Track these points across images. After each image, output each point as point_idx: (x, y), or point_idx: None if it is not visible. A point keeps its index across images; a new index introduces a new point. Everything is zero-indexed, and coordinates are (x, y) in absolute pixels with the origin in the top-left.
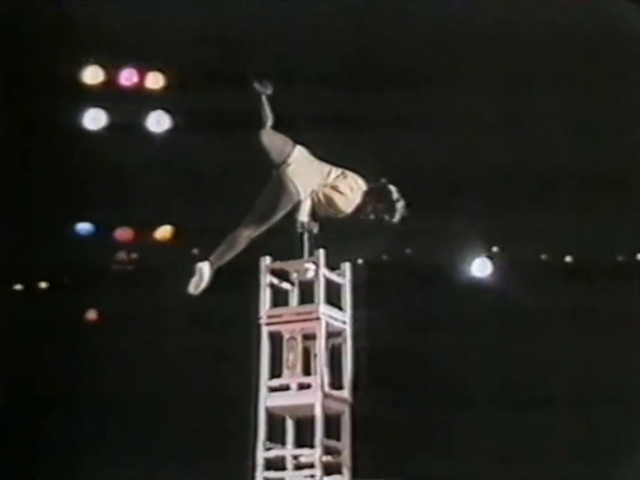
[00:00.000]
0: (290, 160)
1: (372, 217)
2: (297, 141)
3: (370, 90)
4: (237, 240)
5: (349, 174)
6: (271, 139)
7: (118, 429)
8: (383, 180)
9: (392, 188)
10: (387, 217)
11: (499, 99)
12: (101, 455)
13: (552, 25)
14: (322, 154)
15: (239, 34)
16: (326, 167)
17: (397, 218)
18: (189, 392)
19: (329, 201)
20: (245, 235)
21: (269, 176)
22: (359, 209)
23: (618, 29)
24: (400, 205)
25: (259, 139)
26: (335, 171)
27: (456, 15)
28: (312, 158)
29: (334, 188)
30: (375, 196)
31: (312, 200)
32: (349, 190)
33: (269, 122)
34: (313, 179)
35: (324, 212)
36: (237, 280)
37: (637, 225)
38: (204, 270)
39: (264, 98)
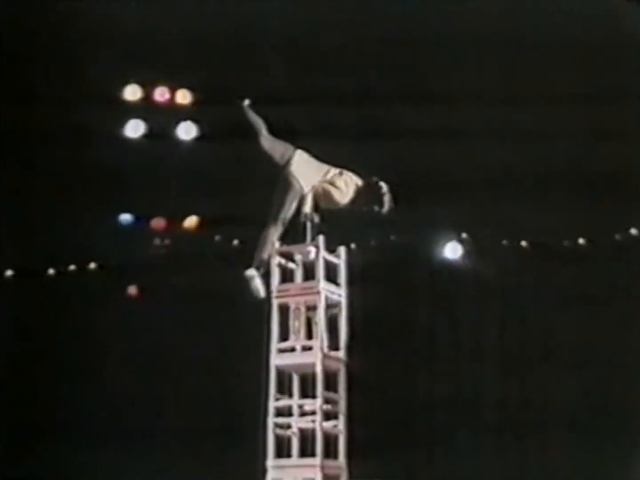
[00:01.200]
0: (292, 161)
1: (364, 208)
2: (297, 146)
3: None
4: (266, 239)
5: (345, 172)
6: (271, 145)
7: (155, 382)
8: (374, 178)
9: (382, 184)
10: (377, 208)
11: (470, 100)
12: (146, 407)
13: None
14: (327, 157)
15: (254, 56)
16: (324, 166)
17: (385, 209)
18: (212, 354)
19: (327, 195)
20: (271, 233)
21: (277, 175)
22: (353, 202)
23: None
24: (387, 198)
25: (259, 144)
26: (333, 170)
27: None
28: (311, 159)
29: (332, 184)
30: (367, 191)
31: (314, 194)
32: (344, 186)
33: (263, 128)
34: (314, 176)
35: (323, 204)
36: (250, 263)
37: (586, 212)
38: (255, 278)
39: (245, 109)
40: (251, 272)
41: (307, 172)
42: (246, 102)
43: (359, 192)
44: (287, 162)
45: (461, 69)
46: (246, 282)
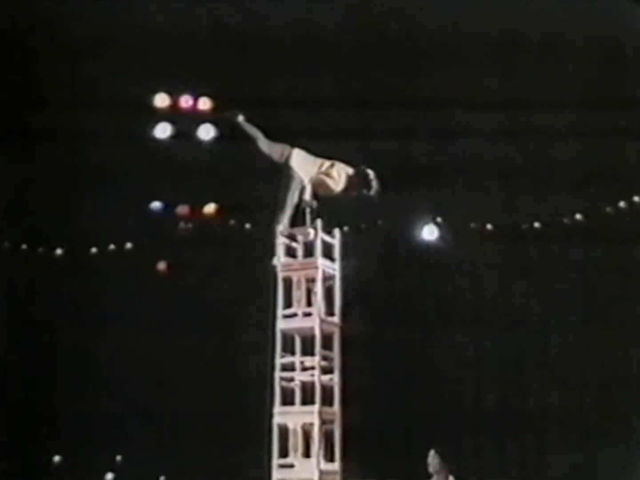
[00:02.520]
0: (291, 158)
1: (355, 193)
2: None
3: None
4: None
5: (336, 163)
6: (270, 148)
7: (179, 337)
8: (362, 166)
9: (369, 171)
10: (366, 193)
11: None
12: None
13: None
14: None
15: (262, 68)
16: (319, 160)
17: (373, 192)
18: (227, 319)
19: (324, 184)
20: (283, 223)
21: (281, 171)
22: (346, 188)
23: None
24: (375, 184)
25: (258, 149)
26: (327, 162)
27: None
28: (307, 155)
29: (327, 174)
30: (357, 178)
31: (312, 184)
32: (337, 175)
33: (259, 134)
34: (310, 169)
35: (321, 192)
36: (259, 244)
37: (541, 199)
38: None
39: (239, 122)
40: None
41: (304, 166)
42: (240, 117)
43: (350, 180)
44: (287, 160)
45: (444, 68)
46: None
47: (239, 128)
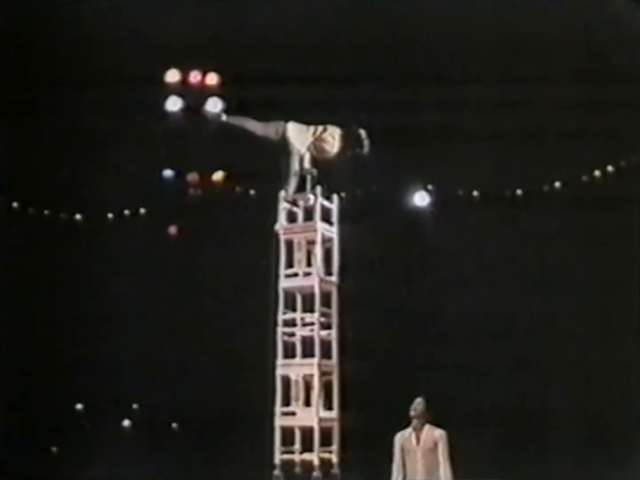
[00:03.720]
0: (287, 132)
1: (350, 153)
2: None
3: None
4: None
5: (328, 127)
6: (264, 129)
7: (189, 294)
8: (354, 126)
9: (361, 130)
10: (358, 150)
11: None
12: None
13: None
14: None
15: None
16: (311, 127)
17: (365, 150)
18: (232, 279)
19: (320, 149)
20: (289, 191)
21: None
22: (341, 149)
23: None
24: (367, 142)
25: (253, 135)
26: (319, 128)
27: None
28: (301, 125)
29: (321, 140)
30: (350, 137)
31: (310, 152)
32: (331, 138)
33: (250, 121)
34: (306, 138)
35: (319, 157)
36: (263, 209)
37: (523, 166)
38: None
39: (225, 120)
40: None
41: (299, 136)
42: (223, 117)
43: (344, 140)
44: (283, 134)
45: (435, 41)
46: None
47: (245, 103)
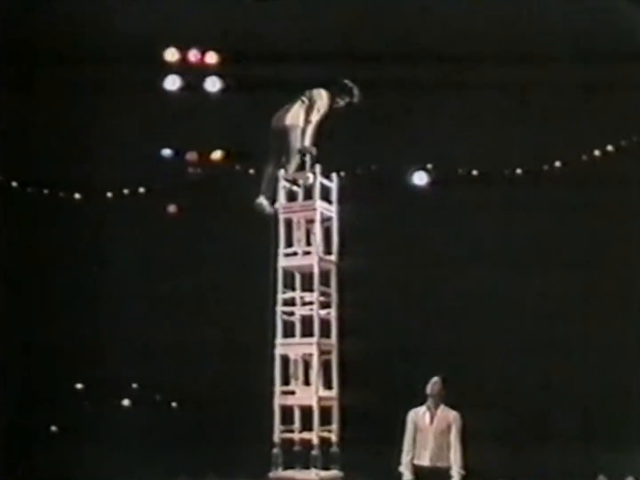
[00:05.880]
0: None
1: (341, 103)
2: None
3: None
4: (267, 175)
5: (313, 89)
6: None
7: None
8: (339, 79)
9: (346, 81)
10: (348, 100)
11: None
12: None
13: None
14: None
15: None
16: (298, 101)
17: (355, 100)
18: (231, 258)
19: (314, 110)
20: (270, 170)
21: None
22: (332, 104)
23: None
24: (355, 91)
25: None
26: (307, 93)
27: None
28: (292, 105)
29: (312, 105)
30: (338, 88)
31: (307, 124)
32: (320, 98)
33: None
34: (300, 112)
35: (315, 118)
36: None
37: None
38: (263, 203)
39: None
40: (262, 200)
41: (295, 115)
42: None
43: (333, 95)
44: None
45: (435, 21)
46: (258, 206)
47: (244, 82)
